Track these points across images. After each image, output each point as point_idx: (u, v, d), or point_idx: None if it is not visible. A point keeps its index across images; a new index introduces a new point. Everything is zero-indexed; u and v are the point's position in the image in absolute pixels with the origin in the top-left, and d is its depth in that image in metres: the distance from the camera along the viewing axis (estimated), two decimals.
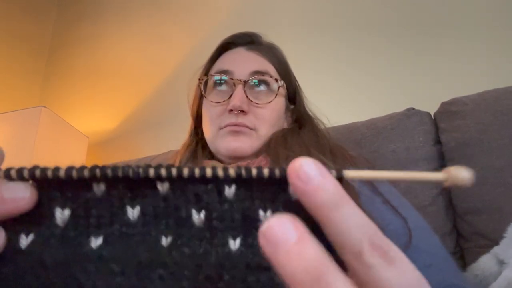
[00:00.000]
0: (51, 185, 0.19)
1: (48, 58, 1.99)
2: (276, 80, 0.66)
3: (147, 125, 1.57)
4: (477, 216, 0.75)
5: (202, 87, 0.69)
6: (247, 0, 1.51)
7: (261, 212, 0.19)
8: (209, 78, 0.68)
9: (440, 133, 0.86)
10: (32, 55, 1.92)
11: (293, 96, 0.72)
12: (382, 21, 1.23)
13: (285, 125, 0.69)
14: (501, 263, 0.61)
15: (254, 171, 0.19)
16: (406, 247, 0.44)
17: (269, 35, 0.75)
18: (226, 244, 0.19)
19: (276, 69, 0.68)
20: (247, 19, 1.46)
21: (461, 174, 0.18)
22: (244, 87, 0.63)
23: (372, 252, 0.16)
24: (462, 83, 1.04)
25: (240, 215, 0.19)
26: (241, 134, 0.62)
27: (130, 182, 0.19)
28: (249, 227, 0.19)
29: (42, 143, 1.30)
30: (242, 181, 0.19)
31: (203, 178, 0.19)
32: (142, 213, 0.19)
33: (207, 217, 0.19)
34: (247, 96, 0.63)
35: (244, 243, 0.19)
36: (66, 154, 1.37)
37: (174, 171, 0.19)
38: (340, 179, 0.18)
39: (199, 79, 0.71)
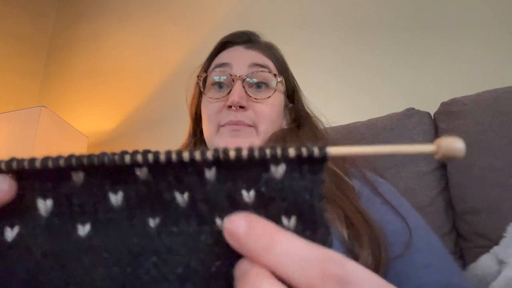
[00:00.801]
0: (30, 176, 0.19)
1: (47, 58, 1.99)
2: (275, 75, 0.66)
3: (147, 125, 1.57)
4: (477, 216, 0.75)
5: (201, 84, 0.69)
6: (246, 1, 1.51)
7: (244, 192, 0.19)
8: (208, 74, 0.68)
9: (440, 133, 0.86)
10: (32, 55, 1.92)
11: (292, 94, 0.71)
12: (382, 22, 1.23)
13: (284, 124, 0.69)
14: (501, 262, 0.61)
15: (232, 153, 0.18)
16: (406, 248, 0.44)
17: (269, 35, 0.75)
18: (214, 223, 0.19)
19: (275, 65, 0.68)
20: (246, 19, 1.46)
21: (452, 145, 0.17)
22: (242, 82, 0.63)
23: (324, 283, 0.16)
24: (461, 83, 1.04)
25: (224, 196, 0.19)
26: (241, 134, 0.61)
27: (108, 170, 0.19)
28: (234, 207, 0.19)
29: (42, 143, 1.30)
30: (222, 163, 0.19)
31: (181, 162, 0.19)
32: (126, 198, 0.19)
33: (191, 198, 0.19)
34: (246, 92, 0.62)
35: None
36: (65, 154, 1.36)
37: (150, 157, 0.18)
38: (324, 157, 0.19)
39: (197, 76, 0.71)
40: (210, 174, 0.19)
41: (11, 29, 1.82)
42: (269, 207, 0.19)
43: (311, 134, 0.64)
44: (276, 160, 0.19)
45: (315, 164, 0.19)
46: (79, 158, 0.18)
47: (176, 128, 0.95)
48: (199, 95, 0.71)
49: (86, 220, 0.19)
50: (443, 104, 0.88)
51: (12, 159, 0.19)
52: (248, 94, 0.63)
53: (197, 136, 0.72)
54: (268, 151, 0.18)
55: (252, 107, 0.63)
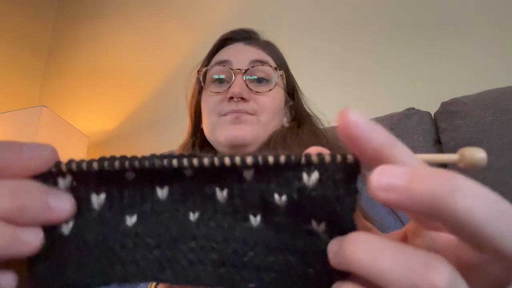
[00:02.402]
0: (86, 175, 0.21)
1: (48, 57, 1.99)
2: (276, 69, 0.66)
3: (148, 124, 1.57)
4: None
5: (201, 78, 0.68)
6: (246, 1, 1.51)
7: (276, 196, 0.20)
8: (208, 69, 0.68)
9: (440, 133, 0.86)
10: (32, 55, 1.92)
11: (292, 91, 0.72)
12: (382, 22, 1.23)
13: (285, 121, 0.69)
14: None
15: (271, 159, 0.20)
16: None
17: (269, 35, 0.75)
18: (248, 220, 0.21)
19: (275, 62, 0.68)
20: (246, 20, 1.46)
21: (475, 154, 0.18)
22: (243, 76, 0.63)
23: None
24: (462, 83, 1.04)
25: (258, 195, 0.21)
26: (242, 122, 0.60)
27: (158, 170, 0.21)
28: (266, 207, 0.21)
29: (43, 142, 1.30)
30: (259, 166, 0.20)
31: (222, 167, 0.20)
32: (170, 192, 0.21)
33: (229, 194, 0.21)
34: (247, 85, 0.62)
35: (263, 220, 0.21)
36: (66, 154, 1.36)
37: (195, 162, 0.20)
38: (358, 165, 0.19)
39: (198, 71, 0.70)
40: (248, 174, 0.20)
41: (11, 29, 1.82)
42: (300, 212, 0.20)
43: (311, 134, 0.64)
44: (310, 167, 0.20)
45: (348, 173, 0.19)
46: (131, 160, 0.20)
47: (176, 127, 0.95)
48: (199, 92, 0.71)
49: (133, 211, 0.21)
50: (444, 104, 0.88)
51: (71, 161, 0.20)
52: (249, 88, 0.62)
53: (196, 136, 0.72)
54: (303, 158, 0.19)
55: (253, 98, 0.62)
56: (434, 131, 0.87)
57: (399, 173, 0.16)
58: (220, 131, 0.61)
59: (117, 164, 0.20)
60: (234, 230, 0.21)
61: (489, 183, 0.75)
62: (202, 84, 0.68)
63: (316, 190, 0.19)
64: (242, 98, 0.61)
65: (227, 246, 0.20)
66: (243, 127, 0.60)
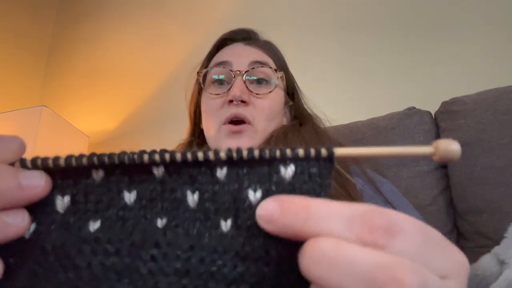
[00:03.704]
0: (52, 173, 0.20)
1: (48, 57, 1.99)
2: (276, 70, 0.65)
3: (148, 124, 1.57)
4: (478, 215, 0.75)
5: (201, 80, 0.68)
6: (246, 1, 1.51)
7: (250, 192, 0.20)
8: (208, 70, 0.67)
9: (441, 133, 0.86)
10: (33, 54, 1.92)
11: (292, 91, 0.71)
12: (382, 21, 1.23)
13: (284, 121, 0.69)
14: (502, 263, 0.61)
15: (244, 153, 0.19)
16: None
17: (269, 35, 0.75)
18: (218, 226, 0.20)
19: (274, 62, 0.68)
20: (246, 19, 1.46)
21: (449, 147, 0.18)
22: (243, 78, 0.62)
23: (373, 235, 0.16)
24: (462, 82, 1.04)
25: (230, 196, 0.20)
26: (242, 135, 0.61)
27: (127, 168, 0.20)
28: (238, 208, 0.20)
29: (43, 142, 1.30)
30: (233, 163, 0.20)
31: (196, 161, 0.20)
32: (139, 197, 0.20)
33: (200, 198, 0.20)
34: (247, 87, 0.62)
35: (234, 224, 0.20)
36: (66, 154, 1.36)
37: (167, 156, 0.19)
38: (332, 158, 0.19)
39: (197, 73, 0.70)
40: (221, 173, 0.20)
41: (12, 29, 1.82)
42: None
43: (313, 132, 0.64)
44: (285, 161, 0.19)
45: (323, 168, 0.19)
46: (100, 156, 0.19)
47: (176, 127, 0.95)
48: (199, 92, 0.71)
49: (97, 217, 0.20)
50: (444, 103, 0.88)
51: (36, 158, 0.20)
52: (249, 90, 0.62)
53: (196, 135, 0.72)
54: (278, 151, 0.19)
55: (253, 102, 0.62)
56: (435, 131, 0.87)
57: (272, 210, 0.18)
58: (220, 143, 0.62)
59: (84, 160, 0.19)
60: (203, 238, 0.19)
61: (490, 183, 0.75)
62: (202, 85, 0.68)
63: (292, 184, 0.19)
64: (242, 101, 0.61)
65: (194, 254, 0.19)
66: (243, 140, 0.60)
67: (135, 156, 0.19)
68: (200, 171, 0.20)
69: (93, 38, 1.85)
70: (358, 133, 0.91)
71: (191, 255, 0.19)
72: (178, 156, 0.19)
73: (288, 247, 0.19)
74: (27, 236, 0.20)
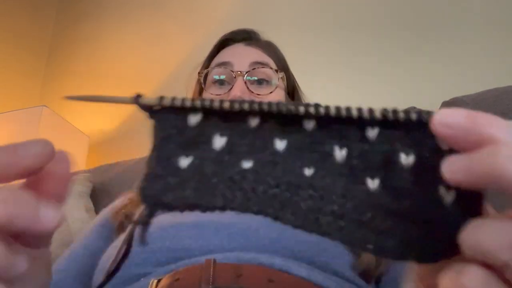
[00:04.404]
0: (214, 115, 0.21)
1: (48, 57, 1.99)
2: (276, 71, 0.66)
3: (148, 124, 1.57)
4: None
5: (202, 80, 0.68)
6: (246, 1, 1.51)
7: (402, 156, 0.20)
8: (209, 71, 0.67)
9: None
10: (33, 55, 1.92)
11: (292, 92, 0.72)
12: (382, 21, 1.23)
13: None
14: None
15: (401, 115, 0.19)
16: None
17: (269, 35, 0.75)
18: (364, 183, 0.20)
19: (275, 63, 0.68)
20: (246, 19, 1.46)
21: None
22: (244, 78, 0.63)
23: None
24: (463, 82, 1.04)
25: (381, 156, 0.20)
26: None
27: (280, 118, 0.21)
28: (388, 169, 0.20)
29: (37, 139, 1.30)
30: (386, 124, 0.20)
31: (347, 118, 0.20)
32: (289, 146, 0.21)
33: (348, 155, 0.20)
34: (247, 88, 0.62)
35: (383, 184, 0.20)
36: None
37: (322, 110, 0.20)
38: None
39: (198, 73, 0.70)
40: (372, 133, 0.20)
41: (12, 29, 1.82)
42: (427, 176, 0.19)
43: None
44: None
45: None
46: (260, 104, 0.20)
47: None
48: (200, 93, 0.71)
49: (250, 158, 0.21)
50: (445, 103, 0.88)
51: (203, 99, 0.21)
52: (250, 90, 0.62)
53: None
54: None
55: None
56: None
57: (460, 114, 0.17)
58: None
59: (246, 106, 0.20)
60: (349, 192, 0.20)
61: None
62: (203, 85, 0.68)
63: (451, 151, 0.18)
64: None
65: (346, 201, 0.20)
66: None
67: (292, 107, 0.20)
68: (350, 128, 0.20)
69: (93, 38, 1.85)
70: None
71: (344, 202, 0.20)
72: (332, 111, 0.20)
73: (439, 210, 0.19)
74: (183, 166, 0.21)
